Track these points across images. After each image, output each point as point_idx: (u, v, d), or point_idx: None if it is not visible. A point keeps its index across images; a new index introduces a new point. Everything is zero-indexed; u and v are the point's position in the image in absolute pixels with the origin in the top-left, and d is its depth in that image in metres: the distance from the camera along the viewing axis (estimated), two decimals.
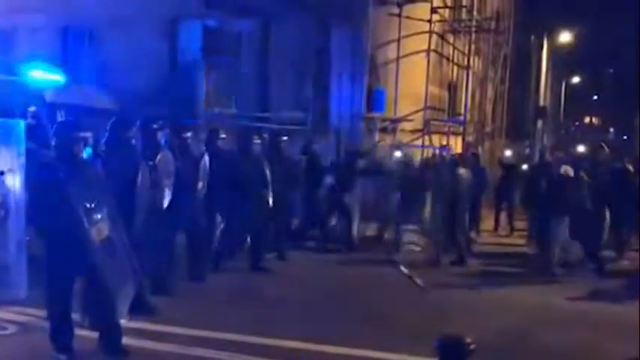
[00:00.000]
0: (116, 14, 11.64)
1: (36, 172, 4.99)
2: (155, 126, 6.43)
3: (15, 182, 5.42)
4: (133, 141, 5.90)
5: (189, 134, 7.19)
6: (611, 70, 47.02)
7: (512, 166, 12.25)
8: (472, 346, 2.66)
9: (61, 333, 4.77)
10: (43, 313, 4.97)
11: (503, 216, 11.96)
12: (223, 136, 8.08)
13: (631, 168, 9.78)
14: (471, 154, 11.74)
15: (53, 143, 4.93)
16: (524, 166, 12.98)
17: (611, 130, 48.10)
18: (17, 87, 8.65)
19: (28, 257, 5.72)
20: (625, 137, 38.83)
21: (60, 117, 7.19)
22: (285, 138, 9.01)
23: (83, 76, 12.34)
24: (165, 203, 6.38)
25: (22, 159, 5.46)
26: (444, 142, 12.88)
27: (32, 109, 8.31)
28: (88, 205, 4.75)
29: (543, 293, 7.52)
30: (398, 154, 11.85)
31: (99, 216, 4.83)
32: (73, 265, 4.73)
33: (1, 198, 5.39)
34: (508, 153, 13.65)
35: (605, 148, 10.54)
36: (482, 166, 11.36)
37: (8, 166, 5.42)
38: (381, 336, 5.57)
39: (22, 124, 5.60)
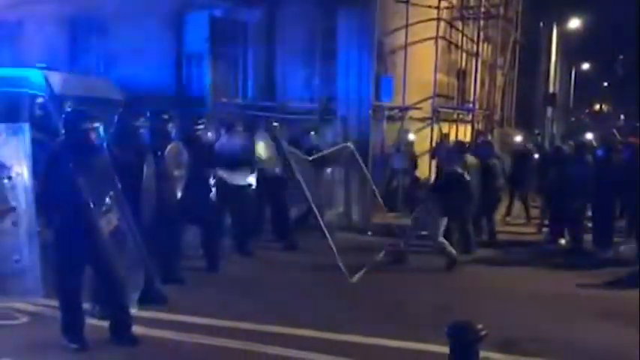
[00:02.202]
0: (124, 5, 11.63)
1: (45, 163, 5.00)
2: (165, 117, 6.42)
3: (25, 183, 5.47)
4: (142, 130, 5.89)
5: (201, 125, 7.18)
6: (622, 57, 46.53)
7: (523, 154, 12.01)
8: (483, 332, 2.65)
9: (71, 322, 4.79)
10: (54, 303, 4.99)
11: (516, 204, 11.78)
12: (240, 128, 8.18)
13: None
14: (482, 142, 11.45)
15: (62, 133, 4.94)
16: (536, 155, 12.78)
17: (622, 117, 47.69)
18: (25, 78, 8.68)
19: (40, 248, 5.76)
20: (638, 124, 38.35)
21: (68, 108, 7.18)
22: (276, 124, 8.98)
23: (90, 67, 12.37)
24: (179, 194, 6.37)
25: (29, 161, 5.50)
26: (445, 131, 12.73)
27: (40, 100, 8.34)
28: (96, 195, 4.76)
29: (554, 281, 7.49)
30: (411, 136, 11.80)
31: (108, 206, 4.84)
32: (82, 255, 4.75)
33: (14, 202, 5.44)
34: (518, 139, 13.36)
35: (617, 135, 10.40)
36: (496, 154, 10.59)
37: (17, 168, 5.47)
38: (392, 324, 5.56)
39: (26, 127, 5.64)
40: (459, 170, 8.21)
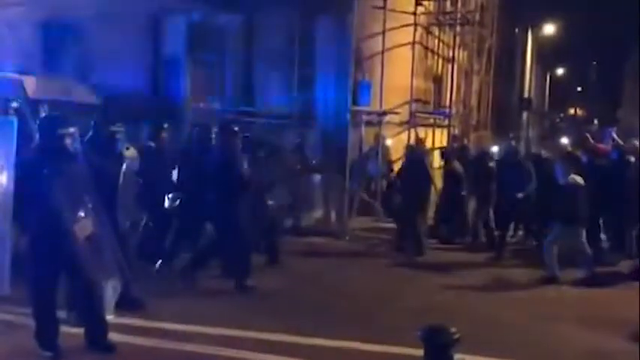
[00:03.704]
0: (100, 8, 11.53)
1: (20, 168, 4.93)
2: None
3: (3, 178, 5.39)
4: (118, 136, 5.86)
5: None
6: (595, 62, 47.39)
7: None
8: (456, 336, 2.68)
9: (45, 330, 4.73)
10: (27, 310, 4.93)
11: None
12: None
13: (632, 159, 8.96)
14: (456, 148, 11.37)
15: (37, 138, 4.89)
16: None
17: (595, 121, 48.49)
18: None
19: (13, 254, 5.68)
20: (613, 128, 38.91)
21: (43, 112, 7.11)
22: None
23: (65, 71, 12.22)
24: None
25: (13, 156, 5.43)
26: (422, 136, 12.80)
27: (14, 104, 8.22)
28: (72, 201, 4.71)
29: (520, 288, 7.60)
30: (388, 141, 11.89)
31: (83, 212, 4.80)
32: (57, 261, 4.70)
33: None
34: (495, 149, 12.69)
35: (590, 139, 10.47)
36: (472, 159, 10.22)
37: (0, 162, 5.39)
38: (368, 328, 5.59)
39: (14, 122, 5.56)
40: (578, 179, 7.58)
